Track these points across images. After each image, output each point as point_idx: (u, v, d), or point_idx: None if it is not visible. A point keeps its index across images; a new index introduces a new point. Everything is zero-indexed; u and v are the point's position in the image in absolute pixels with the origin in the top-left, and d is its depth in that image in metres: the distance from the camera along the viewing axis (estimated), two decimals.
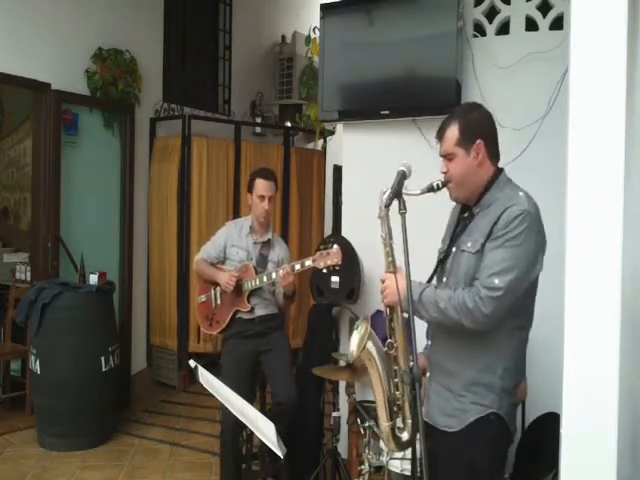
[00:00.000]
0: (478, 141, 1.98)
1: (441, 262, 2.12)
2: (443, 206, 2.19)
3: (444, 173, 2.03)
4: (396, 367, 2.03)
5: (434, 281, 2.14)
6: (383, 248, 2.07)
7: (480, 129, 2.00)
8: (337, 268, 3.14)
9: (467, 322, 1.88)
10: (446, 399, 2.01)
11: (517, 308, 1.92)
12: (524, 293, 1.92)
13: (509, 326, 1.93)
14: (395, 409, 2.02)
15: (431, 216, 2.29)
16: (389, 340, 2.03)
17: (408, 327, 1.82)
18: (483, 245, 1.93)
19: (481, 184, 2.01)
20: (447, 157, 2.02)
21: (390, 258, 2.03)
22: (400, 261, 1.90)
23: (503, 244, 1.88)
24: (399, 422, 2.00)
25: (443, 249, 2.13)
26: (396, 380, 2.03)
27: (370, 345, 1.99)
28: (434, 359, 2.11)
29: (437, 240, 2.20)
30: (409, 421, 2.01)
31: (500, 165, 2.09)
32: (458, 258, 2.02)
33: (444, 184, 2.01)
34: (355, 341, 2.01)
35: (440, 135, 2.04)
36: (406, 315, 1.90)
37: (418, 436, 1.84)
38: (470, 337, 1.94)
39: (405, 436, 1.99)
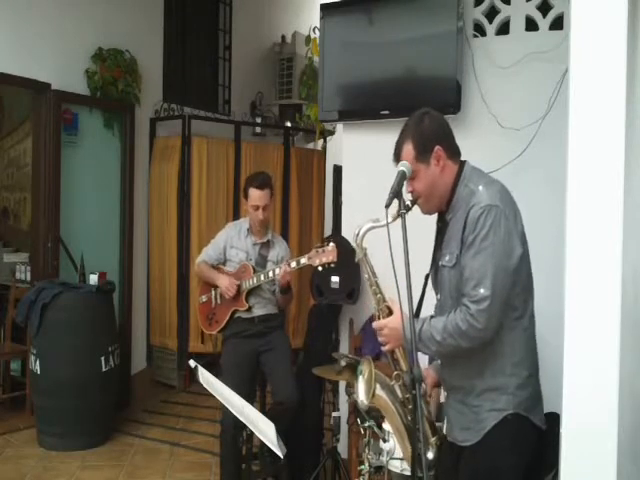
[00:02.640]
0: (436, 148, 1.93)
1: (427, 277, 2.09)
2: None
3: (410, 192, 1.98)
4: (408, 395, 2.00)
5: (429, 296, 2.11)
6: (369, 288, 2.06)
7: (434, 136, 1.95)
8: (332, 266, 3.13)
9: (465, 343, 1.86)
10: (463, 413, 1.98)
11: (510, 301, 1.89)
12: (513, 284, 1.88)
13: (508, 322, 1.90)
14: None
15: (430, 226, 2.27)
16: (395, 372, 2.02)
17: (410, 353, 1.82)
18: (459, 256, 1.90)
19: (448, 187, 1.97)
20: (410, 176, 1.95)
21: (379, 295, 2.03)
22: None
23: (477, 250, 1.84)
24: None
25: (431, 263, 2.10)
26: (410, 406, 2.01)
27: (379, 389, 1.97)
28: (446, 378, 2.08)
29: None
30: (432, 439, 2.01)
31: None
32: (442, 273, 2.00)
33: (413, 203, 1.96)
34: (362, 389, 1.99)
35: (397, 157, 1.98)
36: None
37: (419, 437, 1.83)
38: (473, 348, 1.90)
39: (430, 455, 1.98)
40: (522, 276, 1.93)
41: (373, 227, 1.96)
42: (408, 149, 1.95)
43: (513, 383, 1.91)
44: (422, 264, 2.08)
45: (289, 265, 3.24)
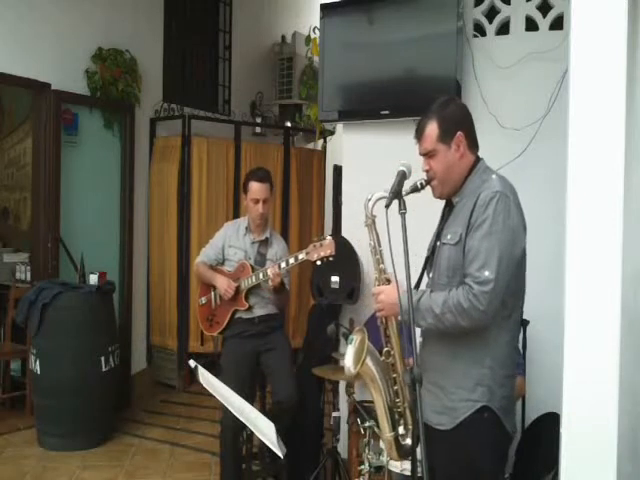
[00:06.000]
0: (458, 133, 1.98)
1: (428, 258, 2.11)
2: (440, 203, 2.18)
3: (427, 171, 2.02)
4: (395, 375, 2.02)
5: (424, 278, 2.13)
6: (372, 256, 2.08)
7: (459, 121, 2.00)
8: (331, 259, 3.13)
9: (465, 323, 1.86)
10: (437, 396, 1.99)
11: (505, 296, 1.89)
12: (512, 277, 1.89)
13: (497, 319, 1.91)
14: (397, 417, 2.02)
15: (430, 214, 2.28)
16: (386, 348, 2.03)
17: (407, 330, 1.82)
18: (463, 235, 1.92)
19: (463, 175, 2.01)
20: (428, 155, 2.01)
21: (381, 265, 2.06)
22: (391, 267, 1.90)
23: (486, 232, 1.86)
24: (401, 429, 1.99)
25: (431, 245, 2.12)
26: (395, 387, 2.02)
27: (369, 360, 1.96)
28: (424, 356, 2.07)
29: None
30: (411, 427, 1.99)
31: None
32: (440, 251, 2.02)
33: (427, 182, 2.00)
34: (350, 356, 1.98)
35: (419, 134, 2.03)
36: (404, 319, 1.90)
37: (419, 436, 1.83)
38: (469, 331, 1.91)
39: (408, 442, 1.97)
40: (520, 272, 1.96)
41: (384, 197, 1.98)
42: (432, 127, 1.99)
43: (489, 377, 1.91)
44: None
45: (279, 266, 3.23)
